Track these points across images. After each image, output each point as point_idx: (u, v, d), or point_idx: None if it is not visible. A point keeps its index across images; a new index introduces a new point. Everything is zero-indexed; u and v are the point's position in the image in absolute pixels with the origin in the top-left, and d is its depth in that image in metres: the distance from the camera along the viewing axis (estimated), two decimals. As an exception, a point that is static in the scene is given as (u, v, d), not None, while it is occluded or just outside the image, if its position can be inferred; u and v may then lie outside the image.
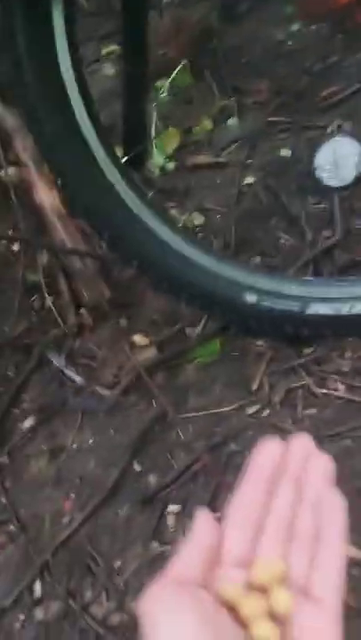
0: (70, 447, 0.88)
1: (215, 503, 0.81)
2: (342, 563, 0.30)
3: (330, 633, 0.28)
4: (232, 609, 0.29)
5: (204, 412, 0.90)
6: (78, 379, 0.96)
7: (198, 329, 1.00)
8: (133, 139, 0.90)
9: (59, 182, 0.87)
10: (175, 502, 0.81)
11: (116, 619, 0.72)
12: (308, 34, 1.46)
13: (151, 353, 0.97)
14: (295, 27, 1.49)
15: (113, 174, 0.85)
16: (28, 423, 0.92)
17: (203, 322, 1.00)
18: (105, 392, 0.94)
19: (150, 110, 0.94)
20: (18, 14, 0.72)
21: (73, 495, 0.83)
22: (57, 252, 1.11)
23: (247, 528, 0.32)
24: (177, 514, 0.80)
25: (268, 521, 0.32)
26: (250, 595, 0.30)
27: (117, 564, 0.76)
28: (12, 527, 0.81)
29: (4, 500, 0.83)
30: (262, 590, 0.30)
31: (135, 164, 0.91)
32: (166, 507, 0.80)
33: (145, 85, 0.88)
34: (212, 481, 0.82)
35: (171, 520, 0.80)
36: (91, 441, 0.89)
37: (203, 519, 0.32)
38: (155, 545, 0.78)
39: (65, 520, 0.80)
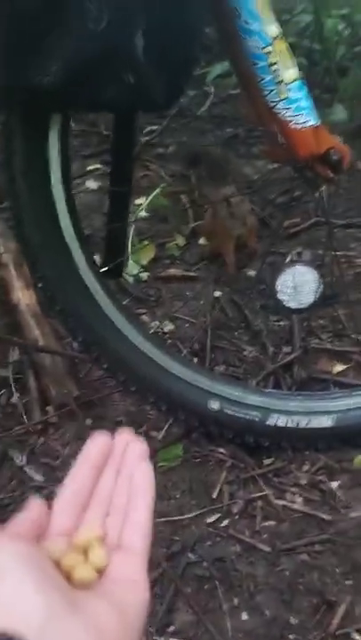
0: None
1: (171, 614, 0.79)
2: (148, 517, 0.36)
3: (137, 573, 0.34)
4: (57, 565, 0.33)
5: (163, 519, 0.89)
6: (39, 477, 0.95)
7: (162, 433, 1.02)
8: (113, 251, 0.97)
9: (39, 285, 0.92)
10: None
11: None
12: (273, 170, 1.65)
13: (114, 455, 0.98)
14: (262, 163, 1.68)
15: (91, 282, 0.91)
16: (-17, 522, 0.89)
17: (166, 426, 1.03)
18: (65, 493, 0.93)
19: (129, 226, 1.02)
20: (17, 132, 0.80)
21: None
22: (28, 350, 1.14)
23: (74, 506, 0.37)
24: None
25: (92, 499, 0.38)
26: (71, 551, 0.34)
27: None
28: None
29: None
30: (83, 551, 0.35)
31: (112, 274, 0.98)
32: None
33: (127, 204, 0.97)
34: (168, 591, 0.80)
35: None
36: (46, 544, 0.86)
37: (32, 502, 0.36)
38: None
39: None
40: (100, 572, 0.34)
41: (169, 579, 0.82)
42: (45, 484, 0.94)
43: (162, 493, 0.93)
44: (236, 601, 0.80)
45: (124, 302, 1.19)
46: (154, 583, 0.80)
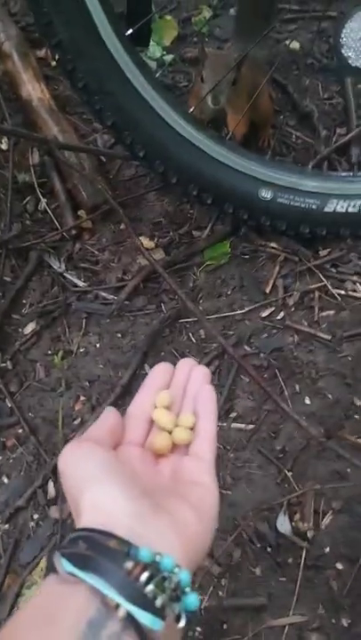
0: (76, 351, 0.84)
1: (228, 405, 0.78)
2: (215, 429, 0.39)
3: (209, 477, 0.36)
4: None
5: (215, 316, 0.85)
6: (81, 282, 0.90)
7: (206, 231, 0.94)
8: (138, 8, 0.80)
9: (56, 58, 0.77)
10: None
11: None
12: None
13: (158, 255, 0.91)
14: None
15: (116, 49, 0.76)
16: (31, 328, 0.86)
17: (210, 224, 0.94)
18: (110, 296, 0.88)
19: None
20: None
21: (83, 397, 0.79)
22: (50, 149, 1.02)
23: (143, 421, 0.39)
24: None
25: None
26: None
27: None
28: (20, 430, 0.77)
29: (9, 404, 0.79)
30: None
31: (139, 40, 0.81)
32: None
33: None
34: (228, 379, 0.79)
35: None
36: (98, 345, 0.84)
37: (107, 411, 0.39)
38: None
39: (76, 422, 0.77)
40: (192, 429, 0.39)
41: (227, 368, 0.80)
42: (89, 288, 0.89)
43: (211, 291, 0.88)
44: (297, 387, 0.78)
45: (158, 74, 1.02)
46: (212, 373, 0.79)
